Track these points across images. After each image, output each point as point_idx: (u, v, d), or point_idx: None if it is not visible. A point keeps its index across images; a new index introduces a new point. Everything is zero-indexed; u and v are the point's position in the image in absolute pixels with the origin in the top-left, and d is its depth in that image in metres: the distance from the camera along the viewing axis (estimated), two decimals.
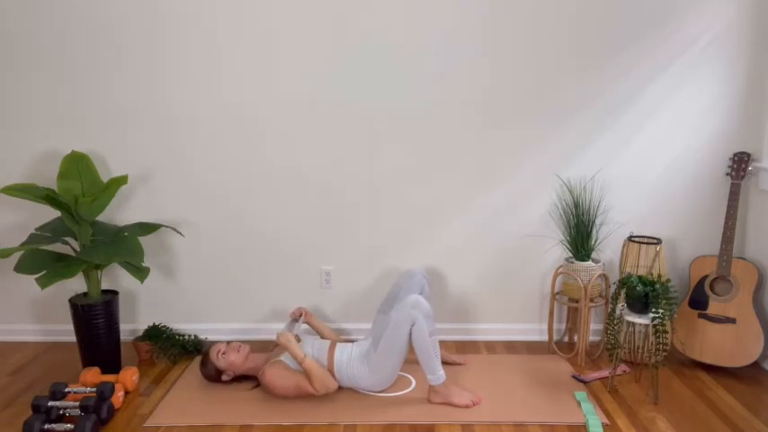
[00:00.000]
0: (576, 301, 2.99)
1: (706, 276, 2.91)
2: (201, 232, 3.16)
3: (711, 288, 2.89)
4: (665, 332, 2.54)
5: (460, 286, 3.23)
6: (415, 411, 2.50)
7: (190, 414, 2.49)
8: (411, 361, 2.79)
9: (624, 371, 2.87)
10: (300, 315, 2.90)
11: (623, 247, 3.06)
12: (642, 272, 2.95)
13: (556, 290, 3.17)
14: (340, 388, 2.66)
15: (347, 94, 3.01)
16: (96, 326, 2.77)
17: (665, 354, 2.58)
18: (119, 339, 2.89)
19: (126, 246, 2.73)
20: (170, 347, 3.01)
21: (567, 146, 3.07)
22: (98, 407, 2.38)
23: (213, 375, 2.69)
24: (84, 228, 2.73)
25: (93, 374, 2.63)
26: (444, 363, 2.88)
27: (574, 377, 2.81)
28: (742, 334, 2.78)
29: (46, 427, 2.30)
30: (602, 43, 2.96)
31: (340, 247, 3.18)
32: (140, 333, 3.19)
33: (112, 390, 2.48)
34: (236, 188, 3.11)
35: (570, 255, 3.11)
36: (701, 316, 2.88)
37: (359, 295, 3.24)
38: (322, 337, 2.96)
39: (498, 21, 2.94)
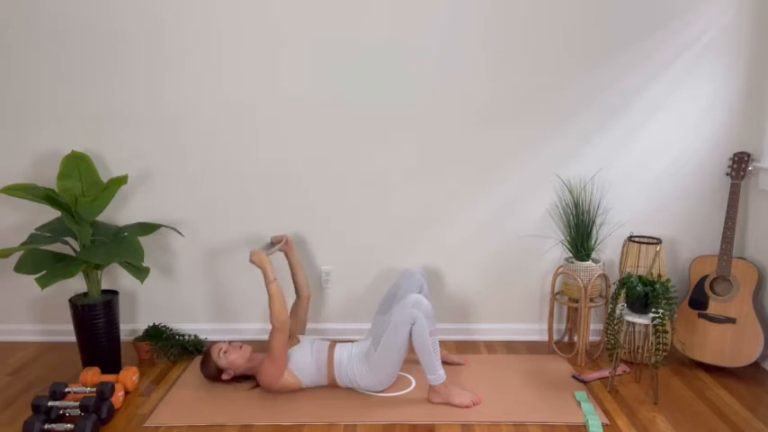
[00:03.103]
0: (576, 301, 2.99)
1: (706, 276, 2.91)
2: (201, 232, 3.16)
3: (711, 288, 2.89)
4: (665, 332, 2.54)
5: (460, 286, 3.23)
6: (415, 411, 2.50)
7: (190, 414, 2.49)
8: (411, 361, 2.79)
9: (624, 371, 2.87)
10: (281, 242, 2.84)
11: (623, 247, 3.06)
12: (642, 272, 2.96)
13: (556, 290, 3.17)
14: (339, 388, 2.67)
15: (348, 95, 3.01)
16: (96, 326, 2.77)
17: (665, 354, 2.58)
18: (119, 339, 2.89)
19: (126, 246, 2.73)
20: (170, 347, 3.01)
21: (567, 146, 3.07)
22: (98, 407, 2.38)
23: (214, 374, 2.69)
24: (84, 228, 2.73)
25: (93, 374, 2.63)
26: (444, 363, 2.88)
27: (574, 377, 2.81)
28: (742, 334, 2.78)
29: (46, 427, 2.30)
30: (602, 43, 2.96)
31: (340, 247, 3.19)
32: (140, 333, 3.19)
33: (112, 390, 2.48)
34: (237, 188, 3.11)
35: (570, 255, 3.11)
36: (701, 316, 2.88)
37: (359, 295, 3.24)
38: (293, 277, 2.92)
39: (499, 21, 2.94)
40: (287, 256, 2.91)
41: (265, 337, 3.25)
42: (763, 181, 2.94)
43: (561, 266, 3.02)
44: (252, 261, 2.58)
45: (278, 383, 2.58)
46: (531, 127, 3.05)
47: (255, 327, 3.27)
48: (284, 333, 2.53)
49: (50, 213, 3.10)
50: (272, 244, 2.83)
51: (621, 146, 3.07)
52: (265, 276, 2.55)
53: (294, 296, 2.97)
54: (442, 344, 3.18)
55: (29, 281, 3.22)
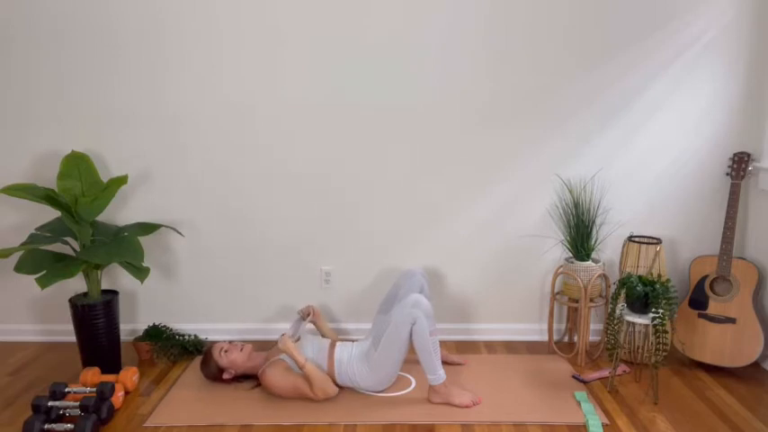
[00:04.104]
0: (576, 301, 2.99)
1: (706, 276, 2.91)
2: (201, 232, 3.16)
3: (711, 288, 2.89)
4: (665, 332, 2.54)
5: (460, 286, 3.23)
6: (415, 411, 2.50)
7: (190, 414, 2.49)
8: (411, 361, 2.79)
9: (624, 371, 2.87)
10: (309, 314, 2.89)
11: (623, 247, 3.06)
12: (642, 272, 2.96)
13: (556, 290, 3.17)
14: (340, 387, 2.67)
15: (348, 95, 3.01)
16: (96, 326, 2.77)
17: (665, 354, 2.58)
18: (119, 339, 2.89)
19: (126, 246, 2.73)
20: (170, 347, 3.01)
21: (567, 146, 3.07)
22: (98, 407, 2.38)
23: (214, 373, 2.69)
24: (84, 228, 2.73)
25: (93, 374, 2.63)
26: (444, 363, 2.89)
27: (574, 377, 2.81)
28: (742, 334, 2.78)
29: (46, 427, 2.30)
30: (602, 43, 2.96)
31: (340, 247, 3.19)
32: (140, 333, 3.19)
33: (112, 390, 2.48)
34: (236, 188, 3.11)
35: (570, 255, 3.11)
36: (701, 316, 2.88)
37: (359, 295, 3.24)
38: (323, 337, 2.96)
39: (499, 21, 2.94)
40: (315, 325, 2.97)
41: (267, 336, 3.25)
42: (763, 181, 2.94)
43: (561, 266, 3.02)
44: (280, 348, 2.58)
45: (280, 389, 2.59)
46: (531, 127, 3.05)
47: (255, 326, 3.27)
48: (322, 398, 2.55)
49: (50, 213, 3.10)
50: (301, 319, 2.87)
51: (621, 146, 3.07)
52: (296, 362, 2.54)
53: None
54: (442, 344, 3.18)
55: (29, 281, 3.22)
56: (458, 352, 3.10)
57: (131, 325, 3.26)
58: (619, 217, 3.14)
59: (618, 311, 2.72)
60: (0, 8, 2.92)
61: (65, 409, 2.40)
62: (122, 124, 3.04)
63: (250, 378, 2.74)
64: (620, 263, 3.08)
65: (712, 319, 2.84)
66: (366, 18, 2.94)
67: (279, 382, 2.54)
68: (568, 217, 3.10)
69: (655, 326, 2.56)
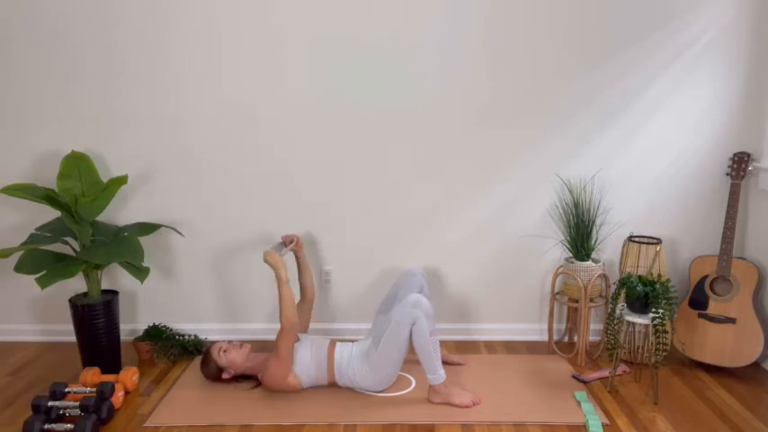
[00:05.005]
0: (576, 301, 2.99)
1: (706, 276, 2.91)
2: (201, 232, 3.16)
3: (711, 288, 2.89)
4: (665, 332, 2.54)
5: (460, 286, 3.23)
6: (415, 411, 2.50)
7: (190, 414, 2.49)
8: (411, 361, 2.79)
9: (624, 371, 2.87)
10: (292, 242, 2.87)
11: (623, 247, 3.06)
12: (642, 272, 2.96)
13: (556, 290, 3.17)
14: (339, 388, 2.67)
15: (348, 95, 3.01)
16: (96, 326, 2.77)
17: (665, 354, 2.58)
18: (119, 339, 2.89)
19: (126, 246, 2.73)
20: (170, 347, 3.01)
21: (567, 146, 3.07)
22: (98, 407, 2.38)
23: (214, 373, 2.69)
24: (84, 228, 2.73)
25: (93, 374, 2.63)
26: (444, 363, 2.88)
27: (574, 377, 2.81)
28: (742, 334, 2.78)
29: (46, 427, 2.30)
30: (602, 43, 2.96)
31: (340, 247, 3.19)
32: (140, 333, 3.19)
33: (112, 390, 2.48)
34: (237, 188, 3.11)
35: (570, 255, 3.11)
36: (701, 316, 2.88)
37: (359, 295, 3.24)
38: (299, 277, 2.96)
39: (499, 21, 2.94)
40: (296, 256, 2.94)
41: (266, 336, 3.25)
42: (763, 181, 2.94)
43: (561, 266, 3.02)
44: (266, 261, 2.58)
45: (282, 383, 2.58)
46: (531, 127, 3.05)
47: (256, 326, 3.27)
48: (293, 335, 2.55)
49: (50, 213, 3.10)
50: (283, 244, 2.84)
51: (621, 146, 3.07)
52: (279, 278, 2.55)
53: (299, 296, 2.97)
54: (442, 344, 3.18)
55: (29, 281, 3.22)
56: (458, 352, 3.10)
57: (131, 325, 3.26)
58: (619, 217, 3.14)
59: (618, 311, 2.72)
60: (0, 8, 2.92)
61: (65, 409, 2.40)
62: (122, 124, 3.04)
63: (250, 378, 2.74)
64: (620, 263, 3.08)
65: (712, 319, 2.84)
66: (366, 18, 2.94)
67: (276, 364, 2.55)
68: (568, 217, 3.10)
69: (655, 326, 2.56)
